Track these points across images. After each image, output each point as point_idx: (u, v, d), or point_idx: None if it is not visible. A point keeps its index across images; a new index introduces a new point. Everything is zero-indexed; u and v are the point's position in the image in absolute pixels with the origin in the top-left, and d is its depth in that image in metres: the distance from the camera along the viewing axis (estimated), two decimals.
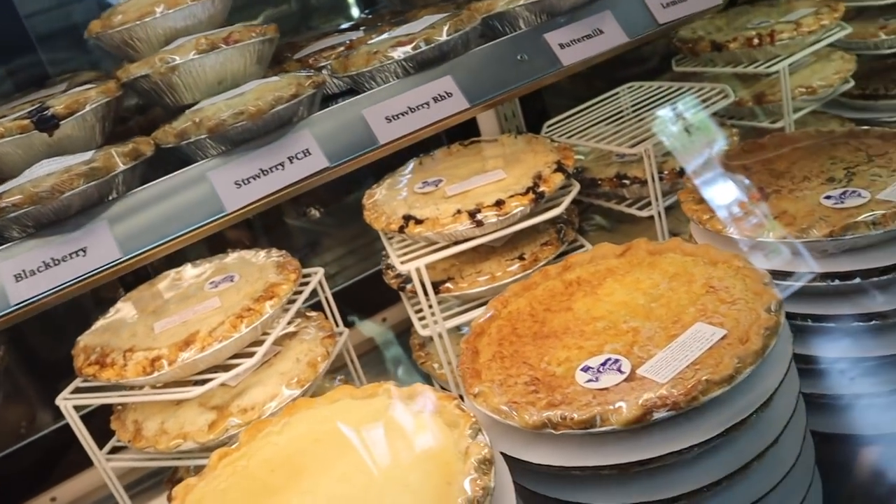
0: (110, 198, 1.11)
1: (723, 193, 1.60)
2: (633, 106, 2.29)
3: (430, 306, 1.73)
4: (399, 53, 1.24)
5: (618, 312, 1.33)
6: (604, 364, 1.21)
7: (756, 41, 2.18)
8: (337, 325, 1.92)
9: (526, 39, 1.30)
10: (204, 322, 1.58)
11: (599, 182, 2.01)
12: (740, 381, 1.10)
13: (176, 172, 1.14)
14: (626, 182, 1.97)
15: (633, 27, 1.36)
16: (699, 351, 1.16)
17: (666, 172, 1.95)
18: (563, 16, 1.33)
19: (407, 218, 1.73)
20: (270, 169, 1.13)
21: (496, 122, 2.30)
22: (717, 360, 1.12)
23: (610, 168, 2.03)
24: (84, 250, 1.06)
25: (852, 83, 2.32)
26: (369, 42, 1.35)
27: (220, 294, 1.68)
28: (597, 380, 1.18)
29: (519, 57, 1.28)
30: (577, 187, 1.82)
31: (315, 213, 2.45)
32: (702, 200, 1.59)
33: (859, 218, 1.34)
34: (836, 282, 1.36)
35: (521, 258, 1.78)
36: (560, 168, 1.75)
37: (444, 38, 1.24)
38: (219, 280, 1.74)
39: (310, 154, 1.14)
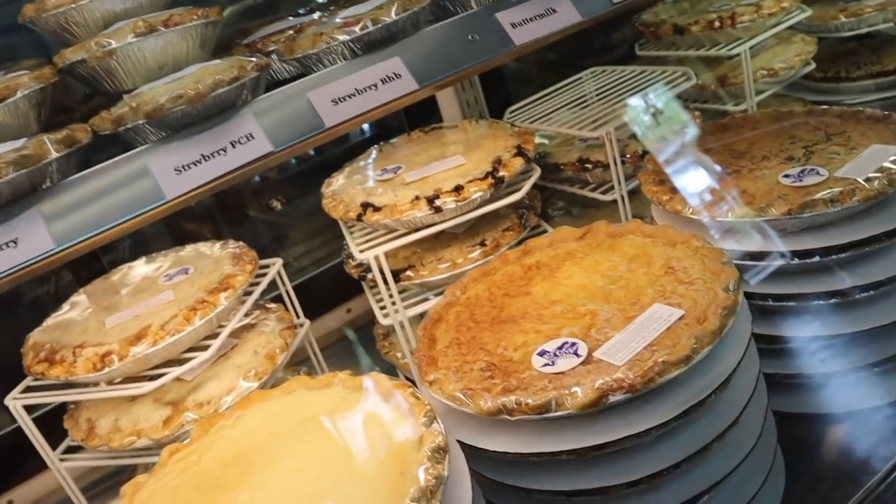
0: (43, 186, 1.06)
1: (683, 175, 1.57)
2: (596, 91, 2.26)
3: (391, 295, 1.69)
4: (345, 35, 1.19)
5: (576, 296, 1.30)
6: (560, 348, 1.17)
7: (717, 24, 2.15)
8: (298, 317, 1.87)
9: (477, 19, 1.26)
10: (157, 316, 1.53)
11: (562, 167, 1.98)
12: (698, 362, 1.07)
13: (113, 160, 1.08)
14: (589, 166, 1.94)
15: (588, 7, 1.32)
16: (656, 332, 1.13)
17: (628, 156, 1.92)
18: None
19: (365, 205, 1.68)
20: (212, 154, 1.08)
21: (458, 109, 2.26)
22: (674, 341, 1.09)
23: (572, 153, 2.00)
24: (15, 241, 1.00)
25: (814, 65, 2.30)
26: (316, 24, 1.31)
27: (174, 287, 1.63)
28: (553, 364, 1.14)
29: (470, 37, 1.24)
30: (537, 172, 1.79)
31: (278, 204, 2.40)
32: (662, 182, 1.56)
33: (817, 196, 1.31)
34: (796, 260, 1.33)
35: (482, 244, 1.74)
36: (520, 152, 1.71)
37: (391, 18, 1.20)
38: (173, 273, 1.69)
39: (253, 138, 1.09)
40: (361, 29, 1.17)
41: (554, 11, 1.29)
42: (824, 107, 1.66)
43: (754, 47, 2.16)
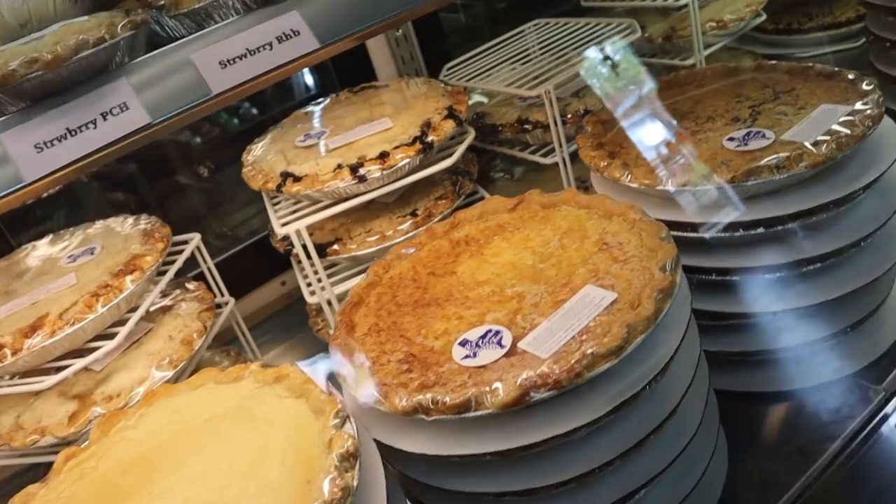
0: None
1: (622, 138, 1.44)
2: (539, 45, 2.11)
3: (316, 272, 1.55)
4: None
5: (504, 276, 1.17)
6: (483, 337, 1.05)
7: None
8: (222, 295, 1.73)
9: None
10: (55, 303, 1.38)
11: (500, 128, 1.84)
12: (631, 352, 0.96)
13: None
14: (528, 127, 1.80)
15: None
16: (586, 319, 1.01)
17: (570, 116, 1.78)
18: None
19: (285, 175, 1.53)
20: (79, 128, 0.92)
21: (393, 66, 2.09)
22: (604, 330, 0.98)
23: (512, 113, 1.86)
24: None
25: (764, 16, 2.17)
26: None
27: (77, 269, 1.47)
28: (475, 355, 1.02)
29: None
30: (471, 134, 1.65)
31: (205, 171, 2.23)
32: (601, 145, 1.43)
33: (762, 161, 1.19)
34: (741, 232, 1.22)
35: (413, 214, 1.61)
36: (451, 114, 1.57)
37: None
38: (78, 253, 1.53)
39: (127, 109, 0.94)
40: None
41: None
42: (773, 62, 1.53)
43: None
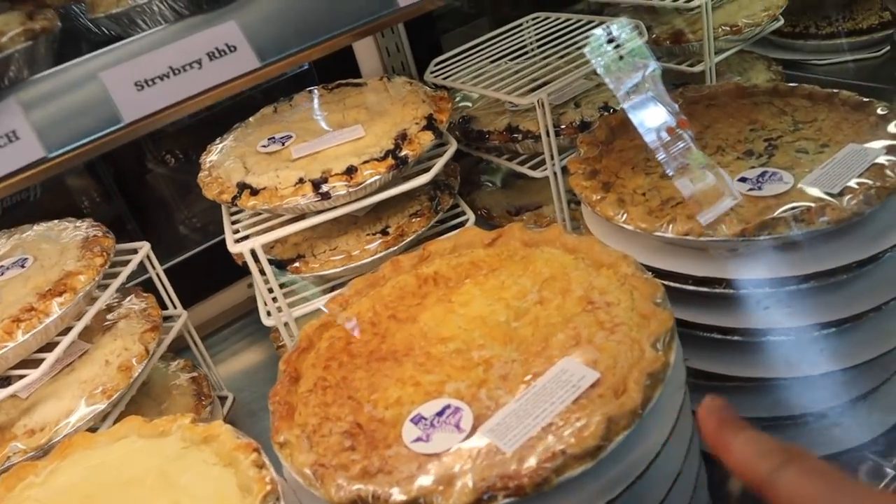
0: None
1: (620, 164, 1.26)
2: (538, 41, 1.92)
3: (272, 293, 1.38)
4: None
5: (472, 332, 1.00)
6: (440, 414, 0.88)
7: None
8: (174, 307, 1.56)
9: None
10: None
11: (488, 135, 1.65)
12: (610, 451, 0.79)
13: None
14: (518, 137, 1.61)
15: None
16: (561, 403, 0.84)
17: (564, 126, 1.59)
18: None
19: (242, 186, 1.36)
20: None
21: (378, 58, 1.90)
22: (581, 421, 0.81)
23: (501, 119, 1.67)
24: None
25: (781, 21, 1.97)
26: None
27: (3, 286, 1.30)
28: (428, 439, 0.85)
29: None
30: (453, 146, 1.46)
31: (172, 160, 2.05)
32: (594, 174, 1.24)
33: (778, 212, 1.01)
34: (749, 290, 1.05)
35: (384, 232, 1.43)
36: (430, 125, 1.39)
37: None
38: (8, 265, 1.35)
39: (17, 139, 0.76)
40: None
41: None
42: (792, 84, 1.34)
43: None
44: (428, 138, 1.36)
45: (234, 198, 1.35)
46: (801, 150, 1.16)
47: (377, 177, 1.30)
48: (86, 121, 0.79)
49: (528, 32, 1.97)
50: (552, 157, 1.54)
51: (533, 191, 1.82)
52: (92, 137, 0.79)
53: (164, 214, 2.12)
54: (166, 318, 1.51)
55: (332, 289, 1.48)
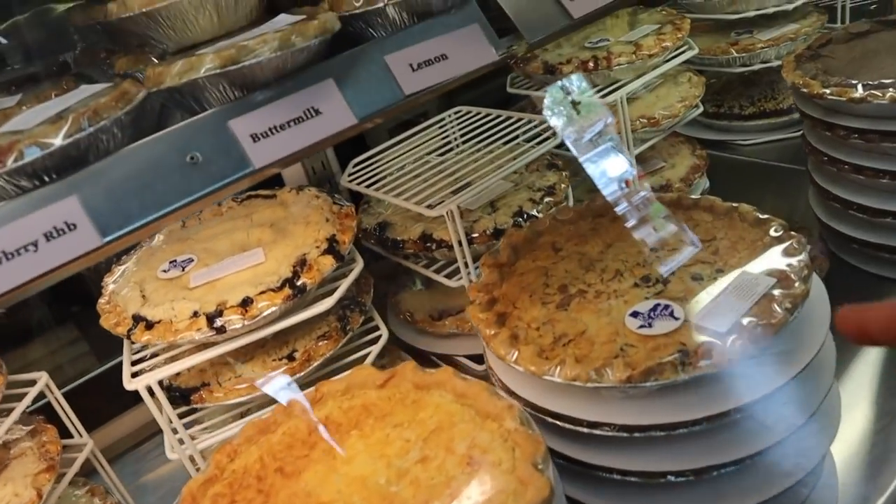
0: None
1: (518, 291, 1.22)
2: (461, 135, 1.90)
3: (173, 427, 1.32)
4: None
5: (352, 496, 0.95)
6: None
7: (591, 65, 1.80)
8: (80, 435, 1.48)
9: (202, 131, 0.87)
10: None
11: (402, 244, 1.61)
12: None
13: None
14: (432, 246, 1.58)
15: (368, 102, 0.94)
16: None
17: (477, 234, 1.56)
18: (262, 91, 0.90)
19: (137, 319, 1.30)
20: None
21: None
22: None
23: (416, 226, 1.63)
24: None
25: (700, 109, 1.97)
26: None
27: None
28: None
29: (190, 157, 0.86)
30: (358, 266, 1.42)
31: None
32: (491, 303, 1.21)
33: (666, 357, 0.97)
34: (637, 434, 1.00)
35: (290, 357, 1.38)
36: (331, 248, 1.34)
37: (59, 141, 0.80)
38: None
39: None
40: (15, 160, 0.78)
41: (314, 114, 0.90)
42: (695, 197, 1.32)
43: (632, 92, 1.82)
44: (328, 263, 1.31)
45: (129, 330, 1.29)
46: (696, 277, 1.13)
47: (273, 308, 1.25)
48: None
49: (452, 127, 1.95)
50: (466, 266, 1.51)
51: (457, 292, 1.77)
52: None
53: (68, 331, 2.04)
54: (70, 447, 1.44)
55: (242, 414, 1.42)
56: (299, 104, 0.91)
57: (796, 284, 1.04)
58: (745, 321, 1.00)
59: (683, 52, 1.89)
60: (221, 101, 0.90)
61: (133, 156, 0.84)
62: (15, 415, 1.32)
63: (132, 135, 0.86)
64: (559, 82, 1.48)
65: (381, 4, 0.98)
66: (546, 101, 1.30)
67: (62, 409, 1.45)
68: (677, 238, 1.23)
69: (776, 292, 1.04)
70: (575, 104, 1.52)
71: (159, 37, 0.99)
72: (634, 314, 1.08)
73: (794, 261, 1.09)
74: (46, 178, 0.82)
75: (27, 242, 0.78)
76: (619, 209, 1.14)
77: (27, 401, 1.35)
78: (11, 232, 0.78)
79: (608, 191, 1.21)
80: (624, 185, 1.21)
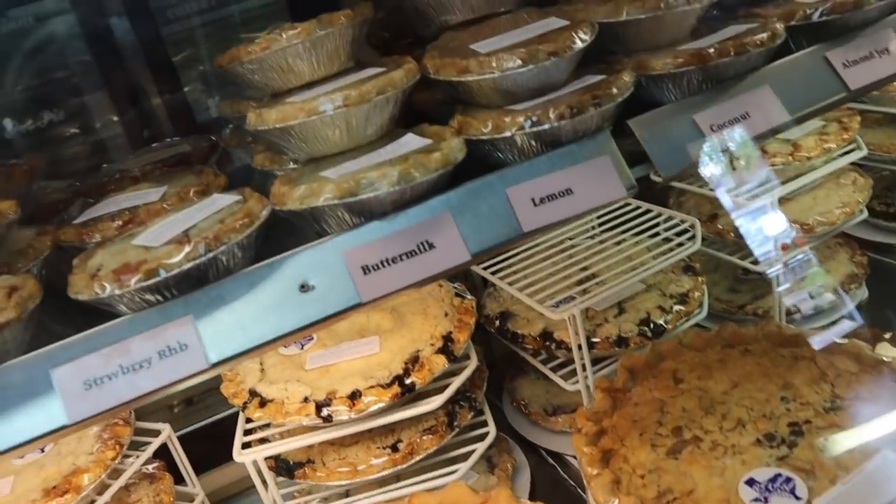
0: None
1: (629, 426, 1.15)
2: (599, 223, 1.83)
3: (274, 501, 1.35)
4: (117, 286, 0.82)
5: None
6: None
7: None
8: (193, 485, 1.55)
9: (316, 257, 0.87)
10: None
11: (522, 339, 1.57)
12: None
13: None
14: (551, 346, 1.53)
15: (484, 238, 0.91)
16: None
17: (599, 340, 1.49)
18: (380, 219, 0.88)
19: (252, 394, 1.34)
20: None
21: None
22: None
23: (538, 322, 1.58)
24: None
25: (864, 215, 1.79)
26: (109, 242, 0.94)
27: (19, 471, 1.33)
28: None
29: (301, 285, 0.86)
30: (472, 365, 1.39)
31: None
32: (599, 435, 1.14)
33: None
34: None
35: (394, 448, 1.37)
36: (445, 348, 1.33)
37: (182, 263, 0.83)
38: None
39: None
40: (140, 280, 0.81)
41: (427, 248, 0.88)
42: (839, 341, 1.19)
43: (787, 194, 1.68)
44: (440, 363, 1.30)
45: (245, 404, 1.33)
46: (825, 445, 1.01)
47: (380, 404, 1.25)
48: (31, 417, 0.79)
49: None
50: (584, 369, 1.45)
51: (564, 395, 1.70)
52: (36, 434, 0.79)
53: None
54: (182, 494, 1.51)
55: (347, 492, 1.43)
56: (414, 237, 0.89)
57: None
58: None
59: (849, 152, 1.73)
60: (340, 225, 0.91)
61: (248, 280, 0.86)
62: (138, 464, 1.39)
63: (252, 255, 0.88)
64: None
65: (508, 134, 0.95)
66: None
67: (180, 460, 1.52)
68: (812, 390, 1.11)
69: None
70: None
71: (291, 147, 1.01)
72: (750, 482, 0.98)
73: None
74: (168, 294, 0.85)
75: (143, 359, 0.81)
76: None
77: (150, 452, 1.42)
78: (132, 346, 0.82)
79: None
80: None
